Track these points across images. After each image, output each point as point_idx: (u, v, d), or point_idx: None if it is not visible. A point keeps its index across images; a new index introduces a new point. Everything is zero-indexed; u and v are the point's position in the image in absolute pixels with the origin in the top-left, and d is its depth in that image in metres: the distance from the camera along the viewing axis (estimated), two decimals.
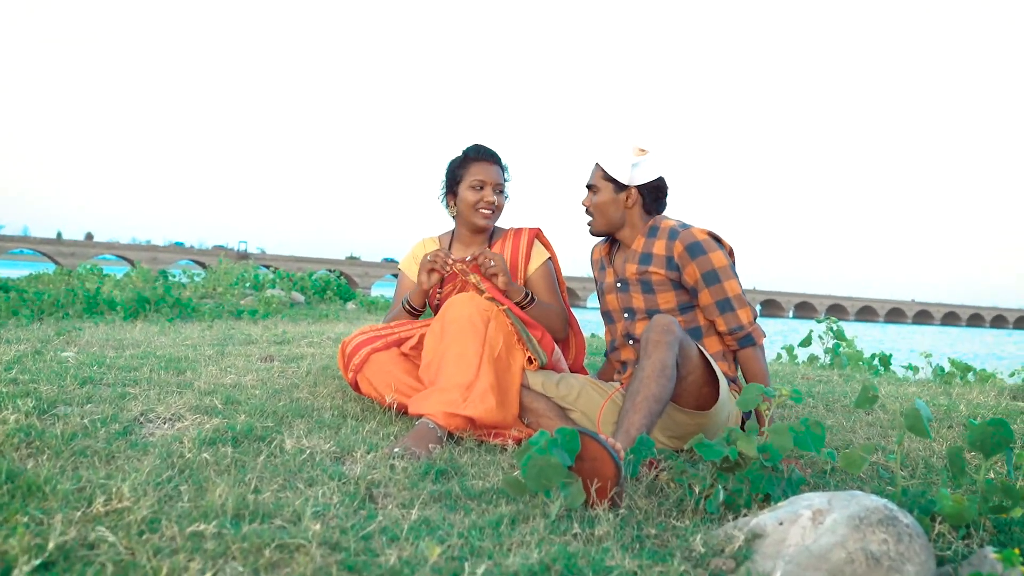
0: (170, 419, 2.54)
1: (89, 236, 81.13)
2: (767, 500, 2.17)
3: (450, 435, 2.61)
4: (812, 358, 6.77)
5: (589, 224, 3.00)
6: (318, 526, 1.67)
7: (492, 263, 2.87)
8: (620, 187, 2.89)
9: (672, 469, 2.31)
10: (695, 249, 2.82)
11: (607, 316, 3.11)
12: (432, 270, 2.92)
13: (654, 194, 2.93)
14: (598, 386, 2.96)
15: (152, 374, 3.26)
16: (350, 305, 13.35)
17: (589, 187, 2.96)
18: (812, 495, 1.89)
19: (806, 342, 6.58)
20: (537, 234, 3.21)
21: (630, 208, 2.92)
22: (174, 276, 15.70)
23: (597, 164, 2.95)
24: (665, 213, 3.02)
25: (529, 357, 2.87)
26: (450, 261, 2.88)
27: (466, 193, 3.06)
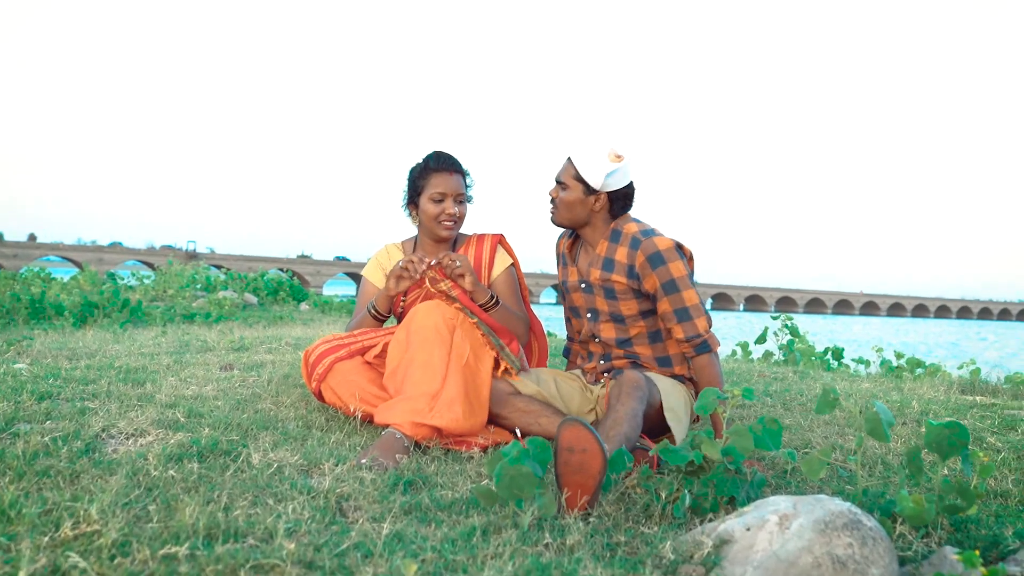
0: (133, 435, 2.50)
1: (32, 237, 79.21)
2: (732, 503, 2.21)
3: (416, 444, 2.61)
4: (767, 354, 6.89)
5: (552, 213, 3.00)
6: (292, 544, 1.66)
7: (457, 264, 2.87)
8: (590, 190, 2.90)
9: (639, 475, 2.34)
10: (656, 259, 2.86)
11: (573, 311, 3.14)
12: (402, 277, 2.90)
13: (622, 200, 2.95)
14: (567, 377, 3.05)
15: (111, 387, 3.20)
16: (304, 306, 13.24)
17: (558, 181, 2.95)
18: (778, 499, 1.93)
19: (761, 339, 6.69)
20: (500, 240, 3.22)
21: (596, 211, 2.94)
22: (123, 278, 15.46)
23: (570, 160, 2.92)
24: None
25: (506, 368, 2.89)
26: (422, 268, 2.87)
27: (427, 205, 3.05)
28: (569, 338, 3.24)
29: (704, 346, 2.89)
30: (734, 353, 7.34)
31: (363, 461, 2.39)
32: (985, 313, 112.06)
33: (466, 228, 3.22)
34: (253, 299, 12.59)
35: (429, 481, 2.29)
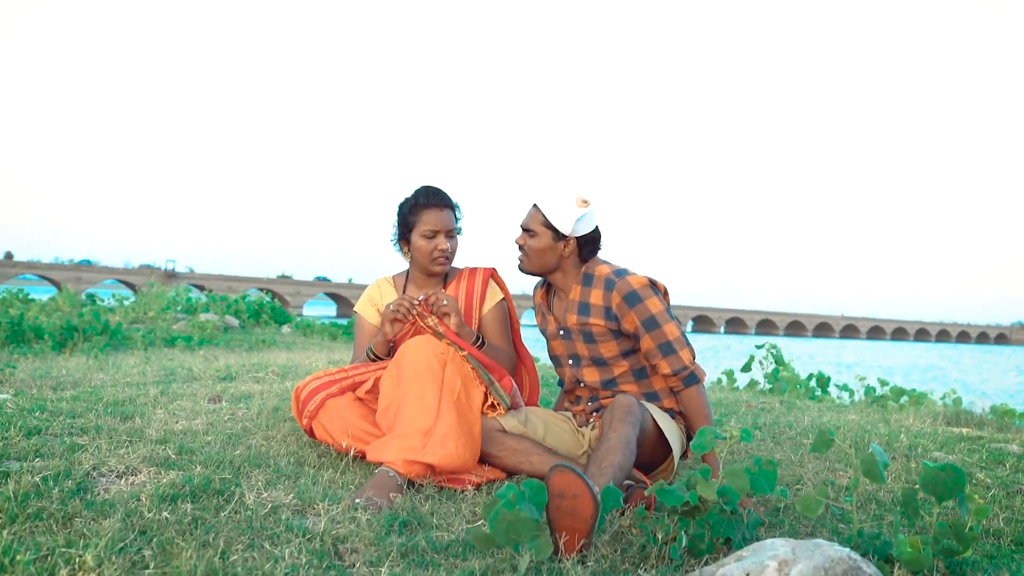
0: (124, 473, 2.47)
1: (9, 256, 78.36)
2: (727, 544, 2.21)
3: (410, 482, 2.60)
4: (752, 383, 6.91)
5: (520, 261, 3.00)
6: None
7: (444, 303, 2.87)
8: (560, 236, 2.91)
9: (634, 515, 2.34)
10: (632, 298, 2.86)
11: (555, 360, 3.16)
12: (395, 320, 2.91)
13: (591, 245, 2.97)
14: (557, 418, 3.03)
15: (99, 420, 3.17)
16: (285, 329, 13.19)
17: (525, 229, 2.95)
18: (776, 543, 1.93)
19: (747, 367, 6.71)
20: (492, 274, 3.22)
21: (566, 257, 2.95)
22: (102, 300, 15.33)
23: (536, 207, 2.93)
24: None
25: (493, 403, 2.88)
26: (415, 312, 2.87)
27: (419, 242, 3.06)
28: (559, 382, 3.25)
29: (692, 378, 2.89)
30: (720, 381, 7.37)
31: (357, 501, 2.37)
32: (963, 337, 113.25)
33: (458, 261, 3.22)
34: (235, 322, 12.53)
35: (424, 521, 2.28)
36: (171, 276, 66.54)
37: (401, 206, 3.12)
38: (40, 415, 3.19)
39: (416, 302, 2.89)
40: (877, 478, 2.19)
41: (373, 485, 2.48)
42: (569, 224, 2.87)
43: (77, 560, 1.72)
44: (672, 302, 3.09)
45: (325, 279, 78.48)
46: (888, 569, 2.00)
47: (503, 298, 3.19)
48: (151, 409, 3.53)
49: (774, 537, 2.34)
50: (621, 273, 2.92)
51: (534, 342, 3.45)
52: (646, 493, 2.42)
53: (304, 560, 1.88)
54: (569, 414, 3.09)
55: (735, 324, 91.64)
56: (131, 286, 59.09)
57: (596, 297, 2.92)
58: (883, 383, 7.30)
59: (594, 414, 3.01)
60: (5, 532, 1.86)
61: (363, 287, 74.40)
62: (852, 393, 7.10)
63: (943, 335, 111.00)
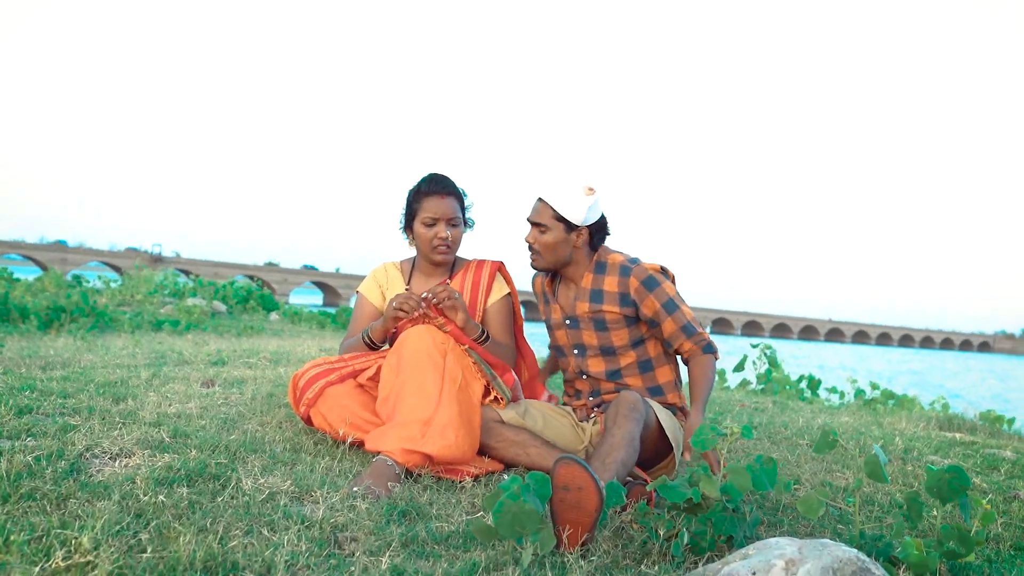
0: (118, 455, 2.43)
1: None
2: (729, 542, 2.19)
3: (408, 472, 2.57)
4: (744, 383, 6.91)
5: (533, 259, 2.96)
6: None
7: (449, 300, 2.84)
8: (571, 227, 2.88)
9: (636, 511, 2.31)
10: (650, 283, 2.87)
11: (558, 350, 3.12)
12: (399, 316, 2.86)
13: (601, 232, 2.95)
14: (556, 412, 3.00)
15: (91, 401, 3.12)
16: (273, 316, 13.10)
17: (535, 224, 2.91)
18: (782, 542, 1.91)
19: (740, 367, 6.71)
20: (499, 267, 3.18)
21: (579, 247, 2.93)
22: (88, 281, 15.18)
23: (543, 202, 2.88)
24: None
25: (496, 396, 2.85)
26: (419, 309, 2.83)
27: (420, 229, 3.01)
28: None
29: (709, 347, 2.91)
30: None
31: (355, 489, 2.33)
32: (947, 344, 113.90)
33: (467, 253, 3.19)
34: (222, 307, 12.43)
35: (423, 512, 2.25)
36: (157, 260, 66.02)
37: (408, 193, 3.07)
38: (30, 394, 3.14)
39: (422, 299, 2.84)
40: (881, 479, 2.17)
41: (371, 474, 2.45)
42: (581, 214, 2.85)
43: (73, 542, 1.68)
44: None
45: (312, 268, 78.08)
46: (894, 571, 1.99)
47: (509, 292, 3.15)
48: (143, 391, 3.49)
49: (774, 536, 2.33)
50: (635, 261, 2.93)
51: (535, 338, 3.41)
52: (648, 489, 2.40)
53: (304, 548, 1.85)
54: (569, 408, 3.06)
55: (722, 324, 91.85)
56: (117, 269, 58.63)
57: (611, 284, 2.90)
58: (874, 386, 7.32)
59: (595, 409, 2.98)
60: None
61: (351, 277, 74.60)
62: (843, 395, 7.11)
63: (927, 341, 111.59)
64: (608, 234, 2.99)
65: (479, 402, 2.80)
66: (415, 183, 3.07)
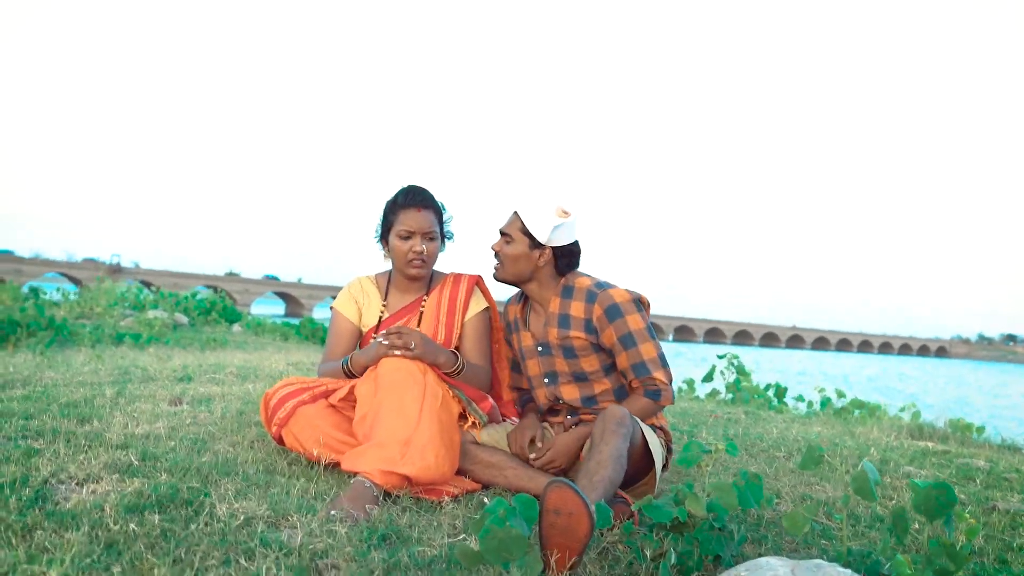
0: (85, 480, 2.34)
1: None
2: (716, 561, 2.15)
3: (386, 493, 2.50)
4: (714, 392, 6.93)
5: (495, 268, 2.92)
6: None
7: (412, 346, 2.76)
8: (536, 244, 2.83)
9: (621, 531, 2.28)
10: (613, 312, 2.79)
11: (528, 380, 3.04)
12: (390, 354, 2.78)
13: (568, 258, 2.88)
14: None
15: (55, 423, 3.01)
16: (236, 327, 12.95)
17: (503, 233, 2.88)
18: (773, 562, 1.88)
19: (708, 377, 6.72)
20: (478, 281, 3.12)
21: (541, 267, 2.87)
22: (46, 293, 14.87)
23: (515, 214, 2.85)
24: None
25: (474, 422, 2.81)
26: (397, 350, 2.77)
27: (395, 242, 2.94)
28: (521, 403, 3.16)
29: (655, 393, 2.80)
30: (680, 390, 7.36)
31: (333, 513, 2.27)
32: (905, 349, 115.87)
33: (447, 267, 3.13)
34: (184, 319, 12.27)
35: (404, 535, 2.19)
36: (116, 271, 64.94)
37: (385, 204, 3.00)
38: None
39: (383, 344, 2.78)
40: (869, 496, 2.15)
41: (349, 496, 2.38)
42: (546, 233, 2.80)
43: None
44: None
45: (275, 278, 77.34)
46: None
47: (487, 307, 3.10)
48: (109, 411, 3.38)
49: (758, 553, 2.30)
50: (603, 286, 2.85)
51: None
52: (633, 508, 2.36)
53: None
54: (545, 425, 3.01)
55: (684, 332, 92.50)
56: (75, 280, 57.64)
57: (577, 309, 2.84)
58: (840, 395, 7.37)
59: (573, 427, 2.93)
60: None
61: (314, 287, 74.08)
62: (810, 404, 7.16)
63: (886, 347, 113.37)
64: (577, 262, 2.92)
65: (457, 421, 2.75)
66: (392, 194, 3.00)
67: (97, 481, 2.34)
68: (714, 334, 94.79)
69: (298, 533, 2.07)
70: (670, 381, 2.85)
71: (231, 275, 73.97)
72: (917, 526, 2.55)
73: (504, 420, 3.08)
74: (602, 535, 2.29)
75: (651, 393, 2.81)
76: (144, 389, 4.13)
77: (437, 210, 3.00)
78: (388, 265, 3.09)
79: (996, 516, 2.86)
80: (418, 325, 3.01)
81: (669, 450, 2.95)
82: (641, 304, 2.86)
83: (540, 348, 2.94)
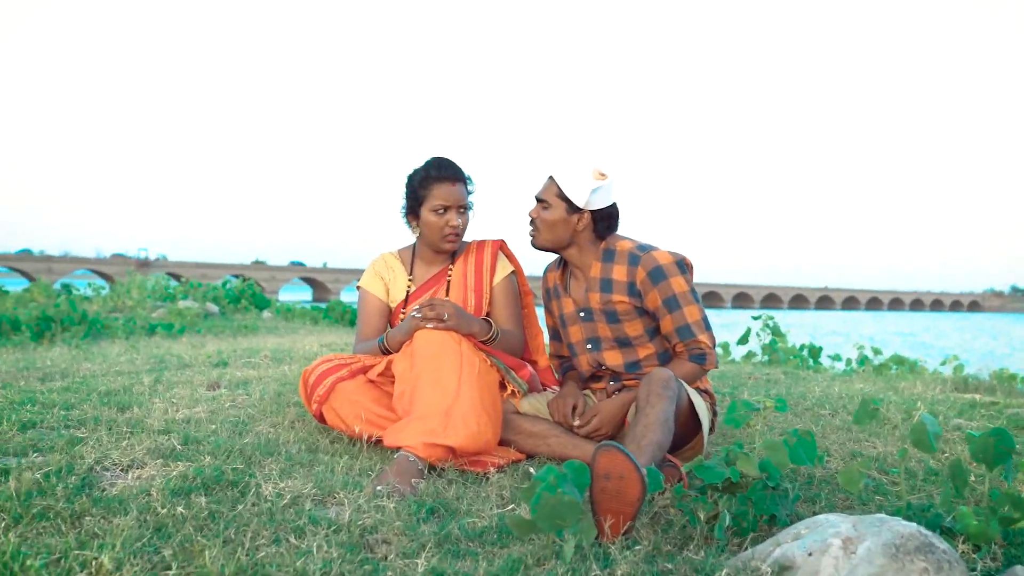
0: (130, 466, 2.33)
1: None
2: (772, 521, 2.11)
3: (430, 467, 2.47)
4: (749, 355, 6.85)
5: (532, 235, 2.85)
6: None
7: (445, 316, 2.70)
8: (574, 208, 2.76)
9: (673, 494, 2.23)
10: (657, 275, 2.72)
11: (570, 347, 2.98)
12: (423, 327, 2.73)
13: (606, 221, 2.81)
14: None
15: (96, 412, 3.01)
16: (266, 314, 13.02)
17: (539, 200, 2.81)
18: (833, 519, 1.82)
19: (743, 339, 6.65)
20: (501, 246, 3.08)
21: (580, 231, 2.80)
22: (78, 289, 15.03)
23: (552, 179, 2.79)
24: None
25: (513, 390, 2.77)
26: (430, 323, 2.71)
27: (429, 217, 2.89)
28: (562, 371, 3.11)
29: (701, 357, 2.75)
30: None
31: (379, 488, 2.24)
32: (937, 305, 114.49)
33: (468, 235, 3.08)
34: (214, 308, 12.36)
35: (453, 508, 2.16)
36: (145, 264, 65.62)
37: (411, 178, 2.94)
38: (32, 408, 3.03)
39: (416, 316, 2.73)
40: (928, 448, 2.09)
41: (394, 471, 2.35)
42: (584, 196, 2.73)
43: (93, 563, 1.58)
44: None
45: (300, 264, 77.73)
46: (953, 543, 1.91)
47: (513, 271, 3.05)
48: (148, 398, 3.38)
49: (812, 512, 2.25)
50: (645, 248, 2.78)
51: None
52: (683, 471, 2.31)
53: (336, 555, 1.75)
54: (588, 392, 2.97)
55: (712, 298, 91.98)
56: (105, 276, 58.17)
57: (619, 273, 2.78)
58: (877, 352, 7.26)
59: (616, 393, 2.88)
60: (11, 534, 1.72)
61: (339, 271, 74.47)
62: (848, 362, 7.06)
63: (917, 304, 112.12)
64: (616, 225, 2.85)
65: (499, 388, 2.71)
66: (419, 167, 2.94)
67: (141, 467, 2.34)
68: (742, 299, 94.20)
69: (346, 510, 2.05)
70: (714, 345, 2.79)
71: (257, 263, 74.43)
72: (974, 478, 2.48)
73: (544, 389, 3.04)
74: (653, 499, 2.24)
75: (696, 357, 2.75)
76: (181, 376, 4.14)
77: (466, 182, 2.95)
78: (412, 239, 3.04)
79: None
80: (447, 295, 2.96)
81: (714, 413, 2.89)
82: (685, 266, 2.79)
83: (582, 314, 2.87)
